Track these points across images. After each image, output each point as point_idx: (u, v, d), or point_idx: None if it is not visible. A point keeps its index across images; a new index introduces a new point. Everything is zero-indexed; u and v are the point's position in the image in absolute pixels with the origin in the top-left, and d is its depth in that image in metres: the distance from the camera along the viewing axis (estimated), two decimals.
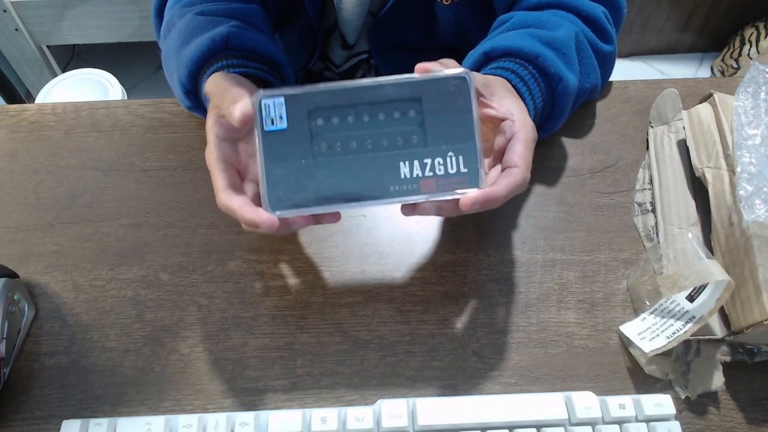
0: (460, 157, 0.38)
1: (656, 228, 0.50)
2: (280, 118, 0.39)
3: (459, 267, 0.49)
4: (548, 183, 0.54)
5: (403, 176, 0.38)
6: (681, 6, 1.58)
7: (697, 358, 0.44)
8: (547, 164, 0.55)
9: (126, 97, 1.29)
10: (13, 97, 1.25)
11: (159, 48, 0.56)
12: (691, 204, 0.51)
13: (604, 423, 0.41)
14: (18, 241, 0.50)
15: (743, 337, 0.43)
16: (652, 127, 0.56)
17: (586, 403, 0.41)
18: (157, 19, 0.59)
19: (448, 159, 0.38)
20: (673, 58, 1.72)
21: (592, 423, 0.41)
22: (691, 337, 0.43)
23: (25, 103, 1.31)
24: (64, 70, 1.39)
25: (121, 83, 1.29)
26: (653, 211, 0.51)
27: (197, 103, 0.52)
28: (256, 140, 0.38)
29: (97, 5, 1.34)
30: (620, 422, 0.41)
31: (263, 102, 0.39)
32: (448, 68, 0.38)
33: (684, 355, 0.44)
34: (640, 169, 0.54)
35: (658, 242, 0.49)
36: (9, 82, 1.24)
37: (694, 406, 0.43)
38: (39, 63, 1.45)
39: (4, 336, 0.42)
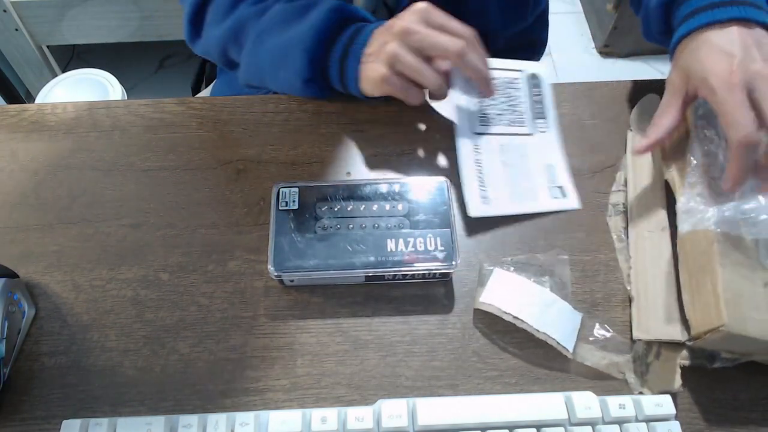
0: (438, 239, 0.46)
1: (627, 230, 0.50)
2: (293, 201, 0.47)
3: (459, 267, 0.49)
4: None
5: (389, 250, 0.45)
6: None
7: (656, 360, 0.44)
8: None
9: (126, 97, 1.29)
10: (13, 97, 1.25)
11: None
12: (663, 209, 0.50)
13: (604, 423, 0.41)
14: (18, 241, 0.50)
15: (702, 343, 0.42)
16: (630, 130, 0.56)
17: (586, 403, 0.41)
18: (193, 24, 0.60)
19: (428, 240, 0.46)
20: None
21: (592, 423, 0.41)
22: (654, 340, 0.44)
23: (25, 103, 1.31)
24: (64, 70, 1.39)
25: (121, 83, 1.29)
26: (626, 212, 0.51)
27: (318, 71, 0.53)
28: (271, 217, 0.46)
29: (97, 5, 1.34)
30: (620, 422, 0.41)
31: (281, 190, 0.48)
32: None
33: (644, 356, 0.44)
34: (620, 171, 0.54)
35: (628, 244, 0.49)
36: (9, 82, 1.24)
37: (694, 406, 0.43)
38: (39, 63, 1.44)
39: (4, 336, 0.42)
